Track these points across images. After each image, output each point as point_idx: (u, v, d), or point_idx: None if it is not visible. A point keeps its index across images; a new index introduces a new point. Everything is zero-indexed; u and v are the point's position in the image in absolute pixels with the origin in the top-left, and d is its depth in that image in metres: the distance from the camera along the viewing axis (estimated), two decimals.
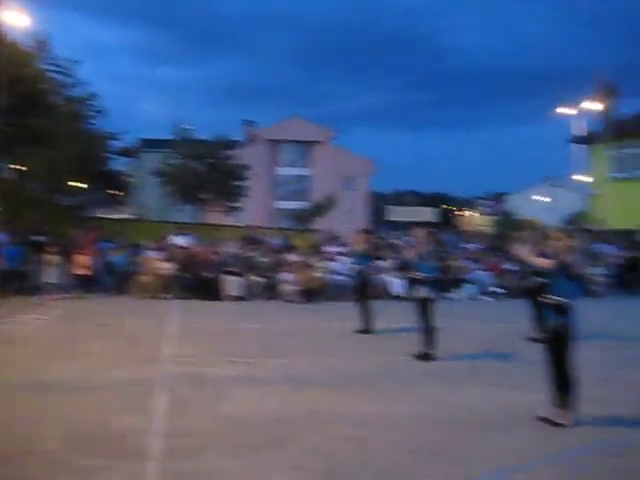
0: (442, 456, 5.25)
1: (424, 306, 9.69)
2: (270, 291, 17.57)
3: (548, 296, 6.41)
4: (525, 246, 8.07)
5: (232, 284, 17.10)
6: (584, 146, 33.90)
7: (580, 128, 34.07)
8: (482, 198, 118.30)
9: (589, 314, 14.93)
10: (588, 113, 33.50)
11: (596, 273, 20.04)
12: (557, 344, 6.33)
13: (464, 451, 5.38)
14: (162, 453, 5.19)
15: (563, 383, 6.28)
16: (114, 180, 28.97)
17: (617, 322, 13.49)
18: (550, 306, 6.35)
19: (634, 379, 8.33)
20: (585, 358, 9.52)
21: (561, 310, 6.29)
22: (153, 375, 8.00)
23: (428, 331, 9.56)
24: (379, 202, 76.73)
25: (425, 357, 9.40)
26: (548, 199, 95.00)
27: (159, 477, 4.69)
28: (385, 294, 17.77)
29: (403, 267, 18.14)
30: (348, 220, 52.17)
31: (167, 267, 17.12)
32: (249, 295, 17.24)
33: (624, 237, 23.35)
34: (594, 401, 7.04)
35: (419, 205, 65.16)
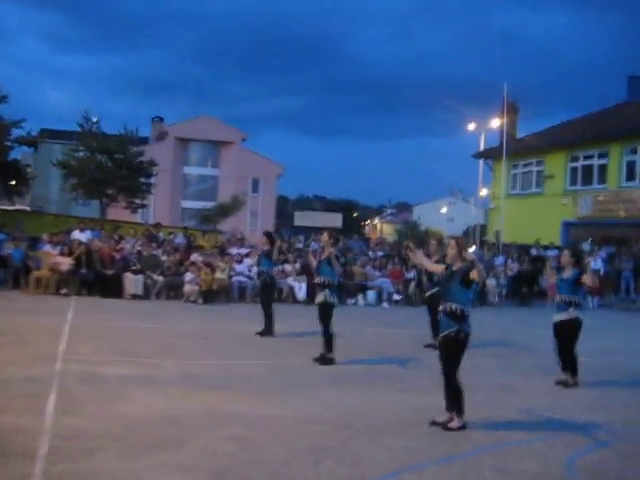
0: (335, 458, 5.34)
1: (324, 310, 9.80)
2: (172, 291, 17.34)
3: (443, 303, 6.59)
4: (422, 254, 8.29)
5: (133, 282, 16.75)
6: (487, 162, 35.21)
7: (484, 144, 35.37)
8: (388, 207, 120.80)
9: (486, 323, 15.61)
10: (492, 130, 34.87)
11: (492, 284, 20.87)
12: (451, 350, 6.51)
13: (357, 453, 5.49)
14: (51, 454, 5.03)
15: (455, 389, 6.50)
16: (12, 170, 27.68)
17: (513, 331, 14.11)
18: (445, 312, 6.53)
19: (527, 386, 8.73)
20: (482, 365, 9.97)
21: (456, 316, 6.47)
22: (46, 374, 7.73)
23: (327, 335, 9.67)
24: (286, 206, 77.00)
25: (324, 361, 9.51)
26: (452, 210, 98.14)
27: (47, 478, 4.55)
28: (290, 298, 17.91)
29: (306, 271, 18.34)
30: (254, 222, 52.22)
31: (66, 262, 16.58)
32: (150, 294, 16.95)
33: (519, 250, 24.43)
34: (487, 406, 7.38)
35: (325, 211, 65.77)
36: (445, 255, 7.56)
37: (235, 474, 4.86)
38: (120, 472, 4.75)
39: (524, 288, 21.46)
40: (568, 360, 9.04)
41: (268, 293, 12.36)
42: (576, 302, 9.15)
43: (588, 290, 21.74)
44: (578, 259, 9.35)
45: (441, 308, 6.61)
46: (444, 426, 6.37)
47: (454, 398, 6.48)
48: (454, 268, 6.63)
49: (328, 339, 9.64)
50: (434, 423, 6.43)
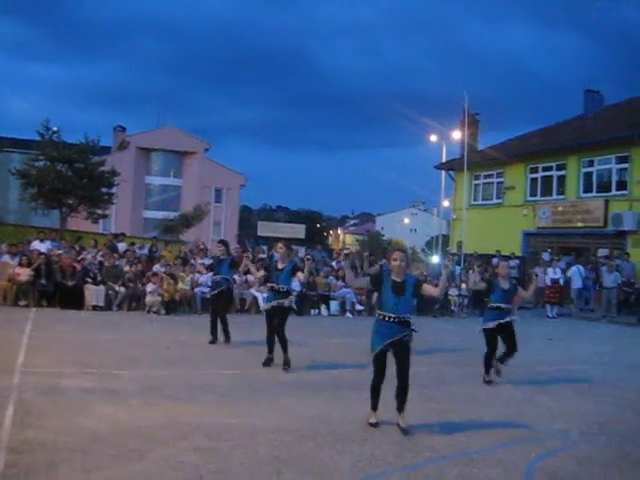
0: (298, 467, 5.34)
1: (282, 318, 9.91)
2: (133, 302, 17.16)
3: (395, 313, 6.72)
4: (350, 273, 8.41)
5: (94, 293, 16.55)
6: (449, 173, 35.65)
7: (446, 155, 35.83)
8: (351, 217, 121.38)
9: (448, 333, 15.76)
10: (454, 141, 35.36)
11: (454, 294, 21.10)
12: (406, 352, 6.73)
13: (320, 462, 5.50)
14: (9, 468, 4.93)
15: (405, 389, 6.68)
16: None
17: (474, 341, 14.22)
18: (396, 321, 6.71)
19: (488, 395, 8.84)
20: (444, 374, 10.08)
21: (406, 324, 6.72)
22: (3, 387, 7.55)
23: (284, 342, 9.83)
24: (249, 216, 76.82)
25: (287, 362, 9.75)
26: (414, 221, 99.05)
27: None
28: (254, 308, 17.86)
29: (267, 281, 18.28)
30: (217, 232, 52.00)
31: (25, 273, 16.31)
32: (112, 305, 16.76)
33: (481, 260, 24.72)
34: (449, 415, 7.46)
35: (289, 221, 65.76)
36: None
37: None
38: None
39: (485, 298, 21.68)
40: (510, 350, 9.71)
41: (230, 301, 12.53)
42: (512, 310, 9.91)
43: (547, 299, 22.27)
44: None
45: (393, 319, 6.71)
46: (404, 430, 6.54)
47: (405, 398, 6.72)
48: (399, 280, 6.76)
49: (285, 346, 9.84)
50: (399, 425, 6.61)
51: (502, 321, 9.60)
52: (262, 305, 17.69)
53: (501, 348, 9.81)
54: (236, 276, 13.53)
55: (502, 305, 9.66)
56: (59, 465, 5.07)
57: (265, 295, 17.84)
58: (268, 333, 10.05)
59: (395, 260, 6.80)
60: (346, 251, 9.16)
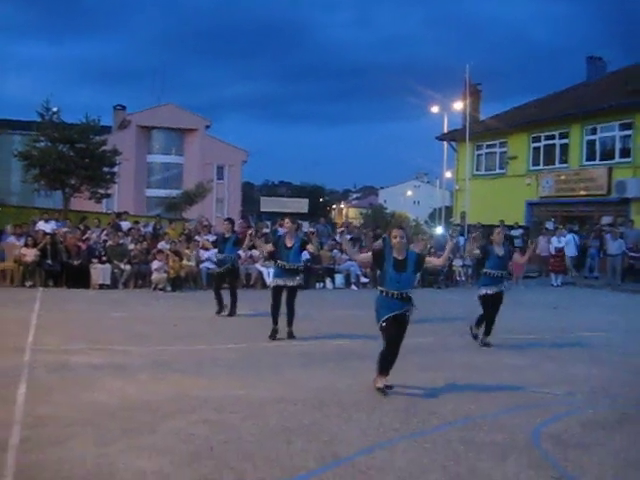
0: (307, 437, 5.42)
1: (292, 295, 10.09)
2: (139, 279, 17.26)
3: (398, 290, 6.85)
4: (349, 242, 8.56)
5: (100, 272, 16.65)
6: (452, 143, 35.51)
7: (448, 126, 35.68)
8: (353, 191, 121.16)
9: (452, 303, 15.83)
10: (455, 112, 35.19)
11: (458, 264, 21.15)
12: (404, 326, 6.89)
13: (329, 432, 5.58)
14: (23, 443, 5.02)
15: (394, 356, 6.87)
16: None
17: (478, 310, 14.28)
18: (400, 298, 6.85)
19: (491, 362, 8.92)
20: (448, 344, 10.16)
21: (407, 299, 6.87)
22: (14, 364, 7.68)
23: (292, 315, 10.10)
24: (251, 192, 76.75)
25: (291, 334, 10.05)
26: (417, 193, 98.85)
27: (19, 468, 4.55)
28: (259, 283, 17.97)
29: (272, 256, 18.38)
30: (220, 209, 52.03)
31: (31, 254, 16.40)
32: (118, 283, 16.86)
33: (478, 230, 24.72)
34: (453, 383, 7.53)
35: (291, 196, 65.69)
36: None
37: (210, 455, 4.91)
38: (94, 457, 4.77)
39: (481, 265, 21.72)
40: (490, 323, 9.97)
41: (237, 277, 12.73)
42: (506, 276, 10.26)
43: (552, 268, 22.30)
44: (507, 237, 10.20)
45: (395, 295, 6.82)
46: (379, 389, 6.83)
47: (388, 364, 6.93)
48: (400, 258, 6.85)
49: (292, 319, 10.15)
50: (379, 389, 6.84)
51: (496, 289, 9.84)
52: (269, 281, 17.90)
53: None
54: (241, 252, 13.64)
55: (496, 272, 9.85)
56: (72, 439, 5.17)
57: (271, 271, 18.06)
58: (273, 306, 10.15)
59: (395, 237, 6.88)
60: (341, 229, 9.37)
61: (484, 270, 10.08)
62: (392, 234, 6.97)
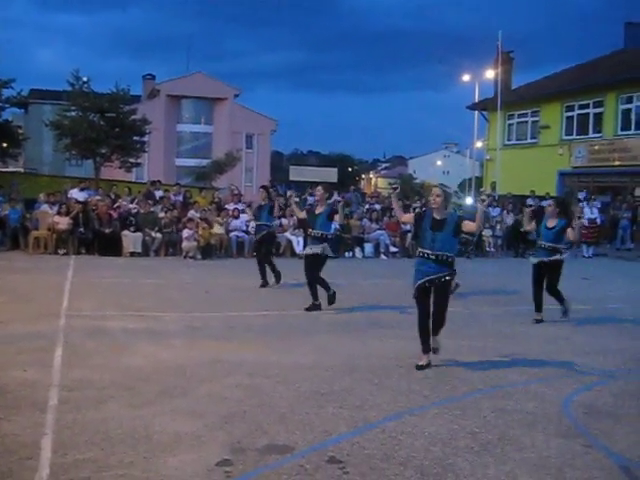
0: (338, 401, 5.48)
1: (318, 261, 9.96)
2: (170, 247, 17.45)
3: (435, 251, 6.68)
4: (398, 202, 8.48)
5: (131, 240, 16.84)
6: (483, 113, 35.05)
7: (479, 95, 35.22)
8: (383, 161, 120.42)
9: (483, 273, 15.77)
10: (487, 81, 34.69)
11: (488, 235, 21.01)
12: (444, 293, 6.75)
13: (359, 397, 5.63)
14: (61, 404, 5.16)
15: (440, 324, 6.78)
16: (3, 131, 27.40)
17: (509, 281, 14.25)
18: (435, 260, 6.65)
19: (523, 332, 8.90)
20: (479, 313, 10.15)
21: (444, 263, 6.65)
22: (50, 329, 7.85)
23: (319, 284, 9.97)
24: (280, 161, 76.67)
25: (313, 307, 9.88)
26: (447, 163, 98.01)
27: (59, 427, 4.67)
28: (289, 251, 18.07)
29: (303, 225, 18.45)
30: (249, 178, 52.12)
31: (63, 222, 16.63)
32: (149, 251, 17.06)
33: (515, 202, 24.47)
34: (484, 352, 7.54)
35: (320, 166, 65.48)
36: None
37: (243, 418, 4.99)
38: (130, 419, 4.88)
39: (519, 239, 21.58)
40: (555, 296, 9.65)
41: (272, 245, 12.85)
42: (559, 250, 9.66)
43: (584, 239, 22.05)
44: (563, 210, 9.82)
45: (430, 256, 6.68)
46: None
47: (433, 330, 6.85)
48: (438, 217, 6.74)
49: (315, 287, 9.94)
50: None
51: (546, 260, 9.60)
52: (299, 250, 17.99)
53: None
54: (276, 220, 13.54)
55: (545, 243, 9.62)
56: (107, 401, 5.29)
57: (300, 239, 18.16)
58: (308, 280, 10.03)
59: (432, 195, 6.81)
60: (394, 185, 9.24)
61: (538, 242, 9.87)
62: (432, 192, 6.90)
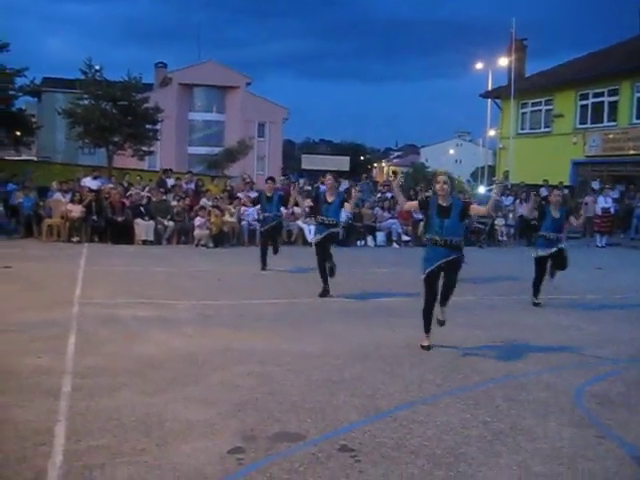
0: (349, 390, 5.48)
1: (328, 248, 10.02)
2: (182, 235, 17.49)
3: (444, 237, 6.82)
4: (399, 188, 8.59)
5: (144, 228, 16.89)
6: (496, 101, 34.81)
7: (492, 83, 34.97)
8: (395, 149, 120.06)
9: (495, 262, 15.72)
10: (500, 68, 34.43)
11: (501, 224, 20.92)
12: (454, 271, 6.91)
13: (371, 386, 5.63)
14: (75, 391, 5.19)
15: (448, 296, 7.02)
16: (17, 120, 27.50)
17: (521, 270, 14.14)
18: (444, 245, 6.80)
19: (535, 321, 8.87)
20: (492, 302, 10.12)
21: (453, 247, 6.81)
22: (63, 317, 7.89)
23: (328, 270, 9.96)
24: (292, 150, 76.53)
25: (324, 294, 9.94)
26: (459, 152, 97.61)
27: (72, 414, 4.70)
28: (300, 239, 18.08)
29: (312, 211, 18.44)
30: (261, 166, 52.10)
31: (76, 210, 16.70)
32: (161, 239, 17.11)
33: (529, 190, 24.31)
34: (496, 341, 7.52)
35: (332, 154, 65.30)
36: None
37: (255, 406, 5.01)
38: (143, 406, 4.91)
39: (536, 226, 21.44)
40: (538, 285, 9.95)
41: (275, 235, 13.09)
42: (561, 239, 9.88)
43: (598, 229, 21.90)
44: (563, 199, 9.98)
45: (439, 242, 6.82)
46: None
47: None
48: (444, 204, 6.82)
49: (325, 274, 9.96)
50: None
51: (552, 251, 9.64)
52: (310, 238, 17.97)
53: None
54: (282, 208, 13.64)
55: (551, 234, 9.67)
56: (120, 388, 5.32)
57: (312, 228, 18.14)
58: (319, 264, 10.08)
59: (439, 183, 6.83)
60: (394, 172, 9.39)
61: (540, 232, 9.90)
62: (437, 179, 6.96)
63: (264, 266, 12.61)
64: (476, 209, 7.15)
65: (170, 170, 23.38)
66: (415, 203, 7.63)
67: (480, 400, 5.37)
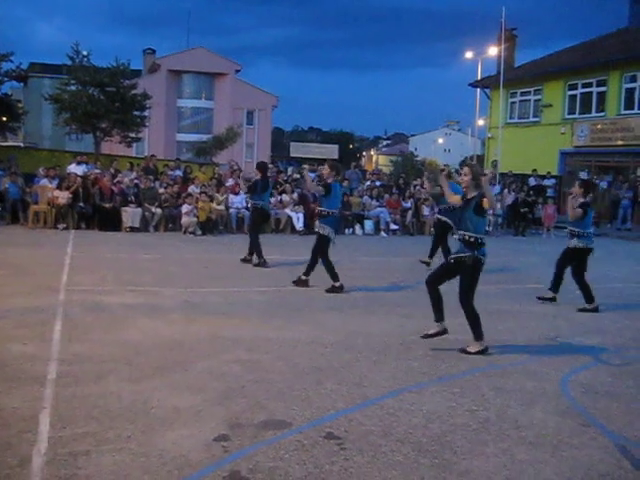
0: (337, 378, 5.49)
1: (320, 238, 9.82)
2: (170, 223, 17.42)
3: (458, 231, 6.65)
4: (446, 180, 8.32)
5: (131, 215, 16.80)
6: (485, 91, 34.81)
7: (481, 73, 34.94)
8: (384, 138, 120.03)
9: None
10: (490, 58, 34.40)
11: (489, 213, 20.95)
12: (465, 273, 6.58)
13: (358, 374, 5.64)
14: (60, 378, 5.16)
15: (469, 314, 6.61)
16: (2, 105, 27.22)
17: (509, 259, 14.21)
18: (461, 240, 6.56)
19: (523, 311, 8.90)
20: (479, 291, 10.07)
21: (471, 244, 6.49)
22: (49, 303, 7.84)
23: (319, 262, 9.76)
24: (281, 138, 76.38)
25: (300, 283, 9.84)
26: (448, 141, 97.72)
27: (57, 401, 4.68)
28: (289, 228, 18.06)
29: (303, 201, 18.42)
30: (250, 154, 51.96)
31: (63, 196, 16.58)
32: (148, 227, 17.03)
33: (517, 180, 24.40)
34: (484, 330, 7.51)
35: (321, 142, 65.24)
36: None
37: (242, 393, 5.00)
38: (129, 393, 4.89)
39: (519, 217, 21.53)
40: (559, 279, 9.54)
41: (261, 220, 12.63)
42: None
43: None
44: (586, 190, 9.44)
45: (457, 237, 6.67)
46: (463, 350, 6.48)
47: (470, 323, 6.59)
48: (468, 197, 6.61)
49: (332, 267, 9.71)
50: (427, 336, 6.67)
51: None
52: (299, 227, 17.93)
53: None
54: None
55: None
56: (107, 375, 5.29)
57: (300, 215, 18.12)
58: (324, 262, 9.83)
59: (462, 174, 6.70)
60: (443, 167, 9.07)
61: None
62: (463, 172, 6.73)
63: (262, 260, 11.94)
64: (486, 203, 6.75)
65: (152, 156, 23.19)
66: (459, 197, 6.93)
67: (466, 389, 5.40)
